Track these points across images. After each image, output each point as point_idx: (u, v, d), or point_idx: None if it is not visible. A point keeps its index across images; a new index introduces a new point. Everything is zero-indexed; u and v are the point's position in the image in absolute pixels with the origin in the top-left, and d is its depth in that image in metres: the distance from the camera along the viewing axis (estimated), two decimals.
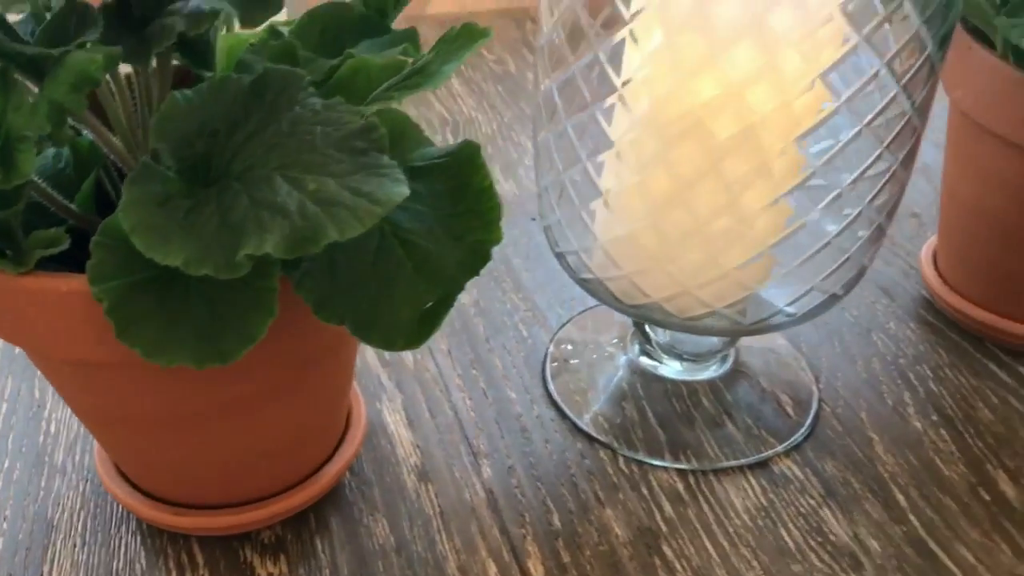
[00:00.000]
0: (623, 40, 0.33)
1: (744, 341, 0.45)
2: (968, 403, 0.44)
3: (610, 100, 0.34)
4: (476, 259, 0.27)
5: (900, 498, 0.39)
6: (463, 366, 0.44)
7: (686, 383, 0.43)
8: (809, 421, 0.42)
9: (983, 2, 0.36)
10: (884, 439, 0.41)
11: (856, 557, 0.36)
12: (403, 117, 0.29)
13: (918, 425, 0.42)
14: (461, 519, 0.37)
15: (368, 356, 0.45)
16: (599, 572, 0.35)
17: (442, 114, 0.66)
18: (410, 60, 0.28)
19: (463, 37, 0.27)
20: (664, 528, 0.37)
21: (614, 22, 0.33)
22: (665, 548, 0.36)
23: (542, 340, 0.46)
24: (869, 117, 0.32)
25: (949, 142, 0.46)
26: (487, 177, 0.28)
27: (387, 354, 0.45)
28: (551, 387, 0.43)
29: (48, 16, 0.26)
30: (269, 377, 0.30)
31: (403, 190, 0.23)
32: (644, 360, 0.44)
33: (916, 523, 0.38)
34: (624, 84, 0.34)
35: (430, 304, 0.26)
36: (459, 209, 0.27)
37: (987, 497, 0.39)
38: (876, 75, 0.32)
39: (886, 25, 0.31)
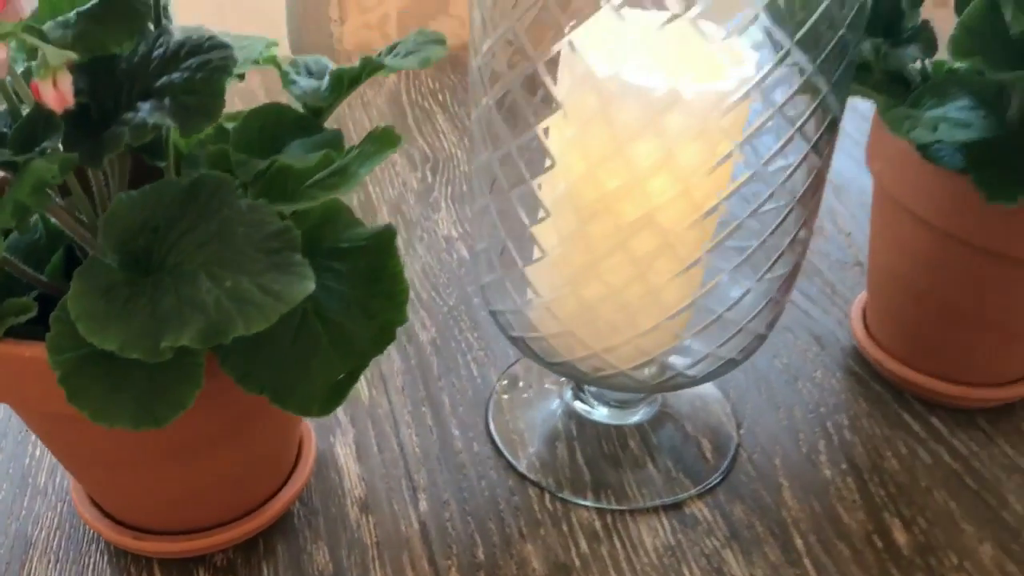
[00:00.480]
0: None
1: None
2: (878, 452, 0.47)
3: (537, 180, 0.38)
4: (384, 337, 0.31)
5: (799, 543, 0.42)
6: (414, 403, 0.49)
7: (615, 426, 0.47)
8: (725, 466, 0.46)
9: (878, 97, 0.39)
10: (793, 485, 0.45)
11: None
12: (336, 203, 0.33)
13: (827, 473, 0.46)
14: (395, 549, 0.41)
15: None
16: None
17: (424, 150, 0.70)
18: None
19: (380, 142, 0.31)
20: (578, 563, 0.41)
21: (547, 104, 0.37)
22: None
23: (490, 380, 0.50)
24: (756, 204, 0.36)
25: (872, 208, 0.49)
26: (399, 263, 0.32)
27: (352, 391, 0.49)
28: (491, 426, 0.47)
29: (23, 112, 0.30)
30: (210, 428, 0.34)
31: (308, 287, 0.27)
32: (578, 404, 0.47)
33: (809, 567, 0.41)
34: (547, 169, 0.38)
35: (341, 376, 0.30)
36: (374, 290, 0.31)
37: (880, 544, 0.42)
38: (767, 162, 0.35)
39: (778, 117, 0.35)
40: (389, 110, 0.76)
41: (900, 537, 0.43)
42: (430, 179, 0.67)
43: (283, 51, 0.92)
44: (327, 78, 0.33)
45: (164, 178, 0.31)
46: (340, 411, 0.48)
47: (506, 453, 0.46)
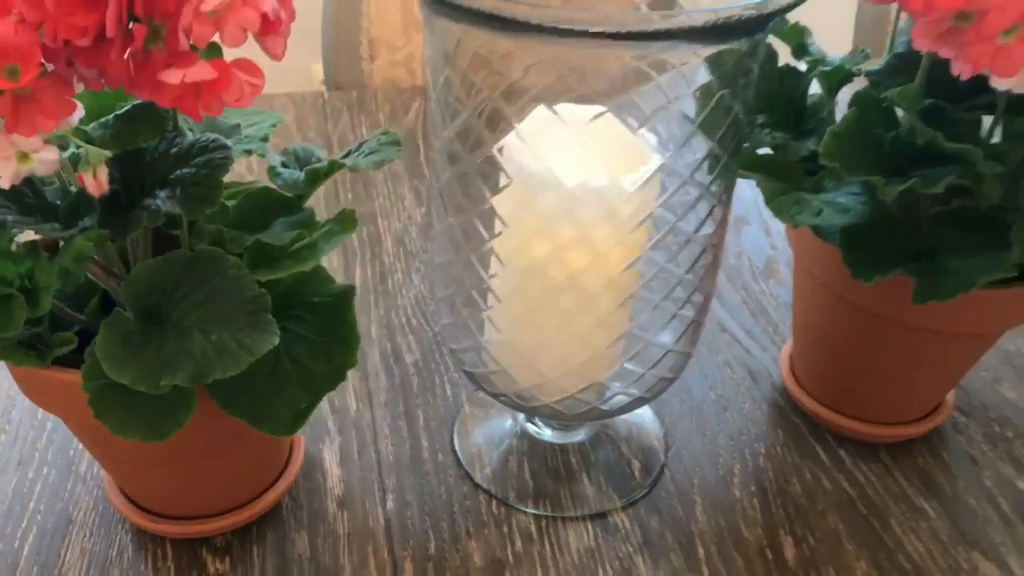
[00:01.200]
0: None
1: None
2: (785, 478, 0.55)
3: (488, 244, 0.46)
4: (339, 375, 0.40)
5: (701, 552, 0.50)
6: (393, 416, 0.57)
7: (560, 445, 0.55)
8: (649, 483, 0.54)
9: (763, 185, 0.47)
10: (705, 502, 0.53)
11: None
12: (316, 267, 0.42)
13: (737, 493, 0.54)
14: (362, 540, 0.50)
15: (322, 404, 0.58)
16: None
17: (418, 191, 0.79)
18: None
19: (342, 224, 0.40)
20: (511, 560, 0.49)
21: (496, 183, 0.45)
22: (508, 575, 0.49)
23: (460, 400, 0.59)
24: (665, 259, 0.44)
25: (793, 269, 0.57)
26: (354, 317, 0.40)
27: (336, 402, 0.58)
28: (455, 440, 0.56)
29: (72, 191, 0.40)
30: (208, 438, 0.43)
31: (273, 340, 0.36)
32: (529, 426, 0.56)
33: (706, 573, 0.49)
34: (495, 236, 0.46)
35: (304, 405, 0.39)
36: (333, 338, 0.40)
37: (771, 557, 0.50)
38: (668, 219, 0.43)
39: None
40: (405, 146, 0.85)
41: (789, 552, 0.50)
42: (419, 219, 0.76)
43: (314, 85, 1.01)
44: (303, 174, 0.42)
45: (180, 245, 0.41)
46: (330, 421, 0.57)
47: (464, 464, 0.54)
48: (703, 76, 0.41)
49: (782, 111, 0.50)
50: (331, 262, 0.70)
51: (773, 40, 0.52)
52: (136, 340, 0.37)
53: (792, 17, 0.47)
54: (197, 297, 0.37)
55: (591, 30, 0.35)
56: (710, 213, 0.44)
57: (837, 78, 0.51)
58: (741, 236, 0.75)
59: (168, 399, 0.37)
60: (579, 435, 0.56)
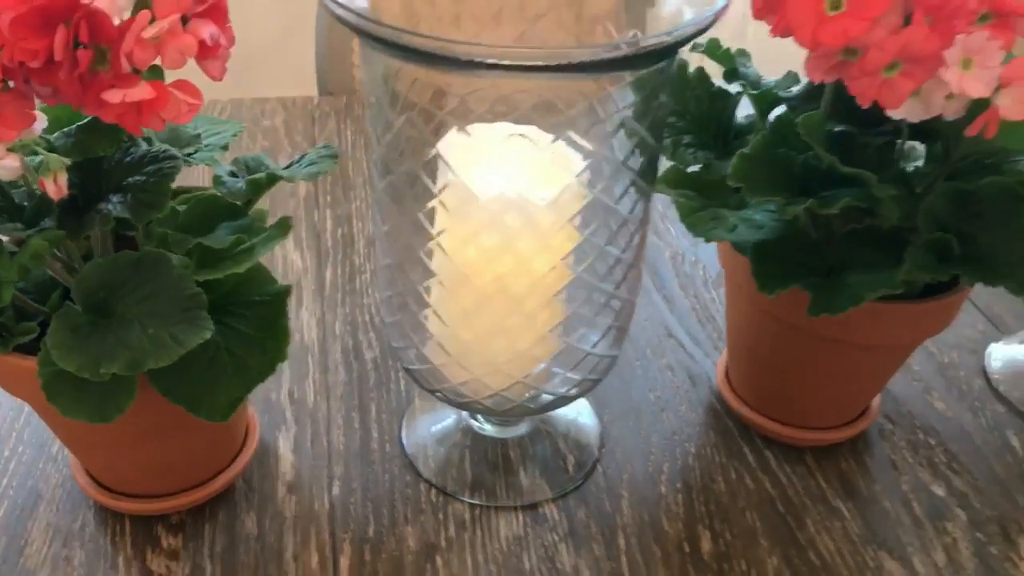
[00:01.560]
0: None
1: (558, 410, 0.61)
2: (711, 476, 0.58)
3: (421, 251, 0.50)
4: (269, 368, 0.43)
5: (621, 542, 0.54)
6: (348, 409, 0.61)
7: (501, 439, 0.59)
8: (582, 477, 0.57)
9: (678, 203, 0.50)
10: (632, 497, 0.56)
11: None
12: (257, 266, 0.46)
13: (663, 489, 0.57)
14: (306, 522, 0.54)
15: (282, 396, 0.62)
16: (385, 570, 0.51)
17: None
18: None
19: (279, 229, 0.43)
20: (444, 544, 0.53)
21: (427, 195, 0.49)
22: (439, 559, 0.52)
23: (412, 395, 0.62)
24: (589, 260, 0.48)
25: (726, 278, 0.60)
26: (286, 316, 0.44)
27: (295, 394, 0.62)
28: (403, 432, 0.59)
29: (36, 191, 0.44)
30: (157, 422, 0.47)
31: (205, 335, 0.40)
32: (472, 421, 0.59)
33: (624, 562, 0.52)
34: (434, 237, 0.49)
35: (238, 395, 0.43)
36: (267, 334, 0.44)
37: (687, 550, 0.53)
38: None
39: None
40: None
41: (706, 546, 0.54)
42: None
43: (311, 90, 1.05)
44: (244, 184, 0.45)
45: (136, 244, 0.45)
46: (288, 412, 0.61)
47: (409, 454, 0.58)
48: (619, 100, 0.44)
49: (711, 132, 0.54)
50: (305, 261, 0.74)
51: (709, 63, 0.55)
52: (84, 331, 0.40)
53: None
54: (140, 294, 0.41)
55: (509, 64, 0.39)
56: (622, 225, 0.47)
57: (767, 101, 0.54)
58: (698, 246, 0.78)
59: (111, 385, 0.41)
60: (519, 430, 0.59)
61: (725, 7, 0.42)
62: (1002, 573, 0.53)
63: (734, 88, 0.54)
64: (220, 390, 0.43)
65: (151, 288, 0.41)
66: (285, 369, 0.64)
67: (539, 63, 0.39)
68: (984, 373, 0.66)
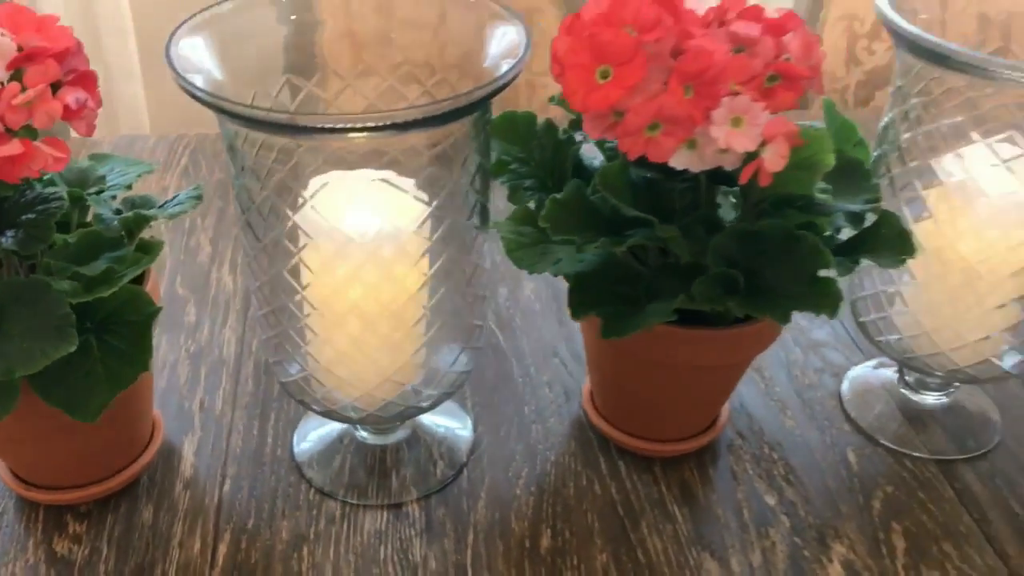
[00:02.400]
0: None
1: (435, 417, 0.68)
2: (563, 482, 0.64)
3: (297, 294, 0.57)
4: (132, 377, 0.51)
5: (470, 538, 0.60)
6: (250, 417, 0.69)
7: (380, 446, 0.66)
8: (447, 480, 0.64)
9: (504, 239, 0.57)
10: (488, 498, 0.63)
11: (416, 571, 0.58)
12: (136, 290, 0.53)
13: (518, 492, 0.64)
14: (195, 515, 0.61)
15: (194, 404, 0.69)
16: (259, 559, 0.59)
17: None
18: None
19: (146, 252, 0.51)
20: (312, 537, 0.60)
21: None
22: (305, 549, 0.59)
23: None
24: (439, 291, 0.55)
25: None
26: (151, 335, 0.52)
27: (206, 403, 0.70)
28: (294, 438, 0.67)
29: None
30: (56, 423, 0.55)
31: (68, 349, 0.48)
32: (354, 429, 0.67)
33: (469, 555, 0.59)
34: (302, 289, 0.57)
35: (106, 399, 0.51)
36: (136, 348, 0.52)
37: (527, 545, 0.60)
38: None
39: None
40: None
41: (544, 542, 0.60)
42: None
43: None
44: (118, 222, 0.53)
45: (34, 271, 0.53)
46: (196, 419, 0.68)
47: (296, 458, 0.65)
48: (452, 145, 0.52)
49: (554, 176, 0.60)
50: (236, 283, 0.82)
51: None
52: None
53: None
54: (22, 314, 0.49)
55: (334, 127, 0.47)
56: (466, 256, 0.54)
57: (607, 148, 0.61)
58: None
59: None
60: (396, 437, 0.66)
61: (516, 74, 0.49)
62: (809, 573, 0.58)
63: (579, 136, 0.61)
64: (93, 395, 0.51)
65: (31, 309, 0.49)
66: (201, 380, 0.72)
67: (351, 125, 0.46)
68: (839, 395, 0.72)
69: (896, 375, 0.71)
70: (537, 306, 0.80)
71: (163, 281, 0.82)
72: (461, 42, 0.57)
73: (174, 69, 0.48)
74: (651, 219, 0.51)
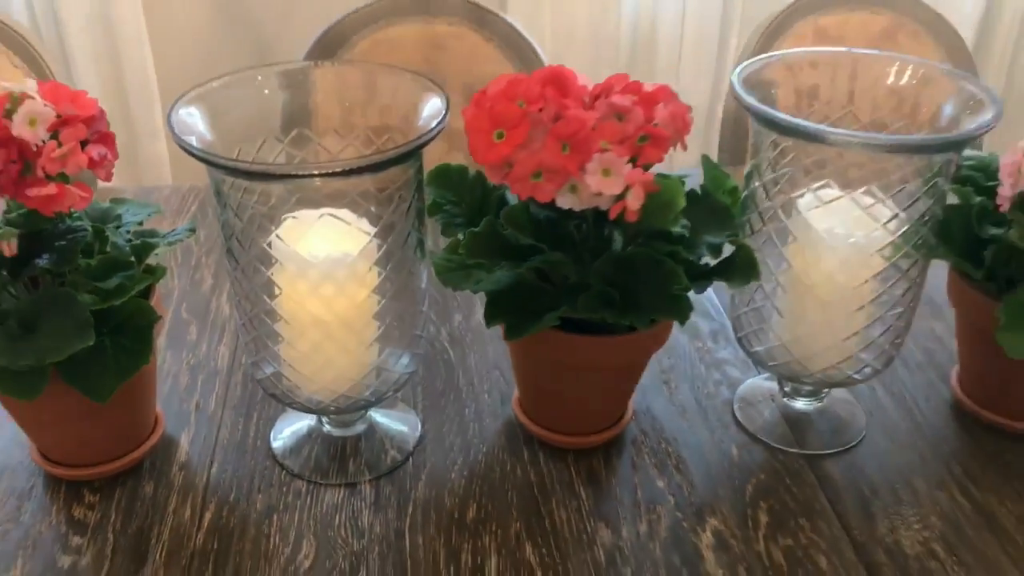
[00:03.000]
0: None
1: (389, 416, 0.82)
2: (491, 468, 0.78)
3: (270, 303, 0.72)
4: (135, 368, 0.66)
5: (410, 509, 0.74)
6: (237, 416, 0.83)
7: (341, 437, 0.80)
8: (395, 465, 0.78)
9: (441, 263, 0.71)
10: (428, 480, 0.76)
11: (362, 539, 0.72)
12: (142, 303, 0.68)
13: (453, 476, 0.77)
14: (186, 490, 0.75)
15: (191, 405, 0.84)
16: (236, 524, 0.72)
17: None
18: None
19: (152, 275, 0.66)
20: (281, 507, 0.74)
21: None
22: (275, 516, 0.73)
23: (285, 407, 0.84)
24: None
25: None
26: (151, 338, 0.66)
27: (201, 404, 0.84)
28: (272, 433, 0.81)
29: None
30: (80, 409, 0.69)
31: (86, 343, 0.62)
32: (321, 424, 0.81)
33: (407, 521, 0.73)
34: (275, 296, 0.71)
35: (115, 384, 0.65)
36: (139, 346, 0.66)
37: (456, 516, 0.73)
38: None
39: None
40: None
41: (470, 514, 0.74)
42: None
43: None
44: (128, 248, 0.68)
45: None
46: (193, 416, 0.83)
47: (273, 447, 0.79)
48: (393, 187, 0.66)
49: (483, 214, 0.75)
50: (231, 309, 0.96)
51: None
52: (16, 340, 0.63)
53: None
54: (54, 317, 0.64)
55: (296, 173, 0.61)
56: (408, 276, 0.69)
57: None
58: None
59: (31, 374, 0.63)
60: (355, 431, 0.80)
61: (440, 128, 0.64)
62: (685, 539, 0.71)
63: None
64: (105, 381, 0.65)
65: (60, 313, 0.64)
66: (198, 386, 0.86)
67: (311, 172, 0.61)
68: (731, 403, 0.85)
69: (778, 386, 0.84)
70: (484, 330, 0.94)
71: (171, 307, 0.97)
72: (402, 108, 0.72)
73: (173, 131, 0.63)
74: (543, 247, 0.66)
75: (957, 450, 0.80)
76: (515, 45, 1.30)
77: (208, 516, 0.73)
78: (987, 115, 0.66)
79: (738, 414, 0.83)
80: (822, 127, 0.64)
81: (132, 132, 1.92)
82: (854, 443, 0.81)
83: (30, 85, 0.62)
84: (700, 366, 0.90)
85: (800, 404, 0.83)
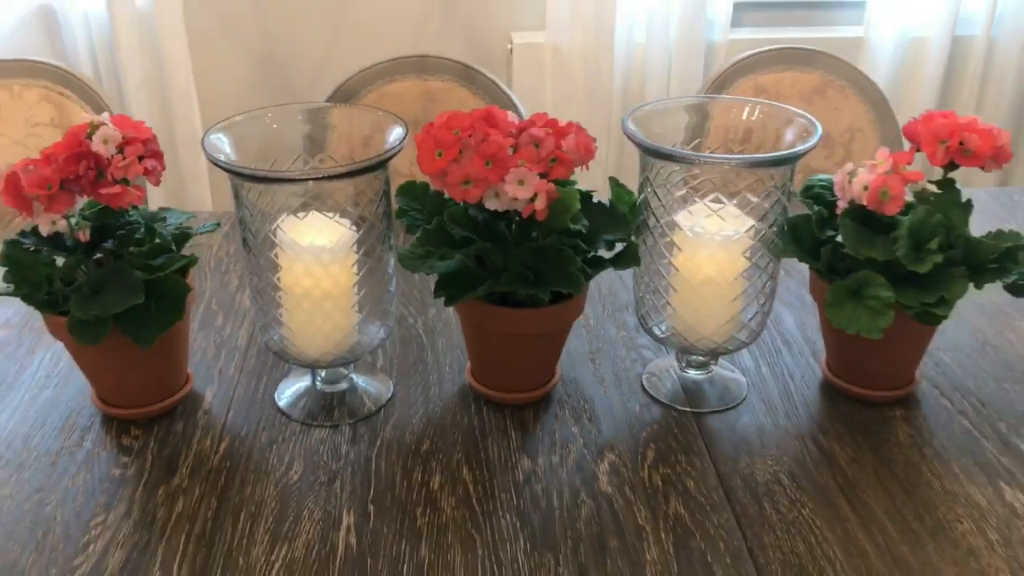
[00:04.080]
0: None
1: (368, 378, 1.04)
2: (443, 417, 0.99)
3: (274, 278, 0.95)
4: (170, 323, 0.89)
5: (379, 443, 0.96)
6: (250, 378, 1.06)
7: (330, 392, 1.02)
8: (372, 413, 1.00)
9: (406, 254, 0.94)
10: (394, 424, 0.98)
11: (339, 462, 0.93)
12: (178, 278, 0.92)
13: (414, 421, 0.99)
14: (207, 428, 0.98)
15: (216, 371, 1.07)
16: (244, 451, 0.95)
17: None
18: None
19: (185, 261, 0.90)
20: (280, 441, 0.96)
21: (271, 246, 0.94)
22: (274, 448, 0.95)
23: (289, 370, 1.06)
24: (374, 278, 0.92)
25: None
26: (184, 301, 0.90)
27: (223, 371, 1.07)
28: (276, 390, 1.03)
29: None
30: (131, 356, 0.92)
31: (138, 300, 0.86)
32: (315, 382, 1.03)
33: (375, 451, 0.94)
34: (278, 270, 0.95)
35: (157, 333, 0.89)
36: (175, 307, 0.90)
37: (413, 448, 0.95)
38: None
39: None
40: None
41: (424, 447, 0.95)
42: None
43: None
44: (169, 236, 0.92)
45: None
46: (216, 378, 1.06)
47: (277, 400, 1.02)
48: (368, 190, 0.90)
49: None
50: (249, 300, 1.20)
51: None
52: (87, 300, 0.87)
53: None
54: (115, 284, 0.88)
55: (295, 178, 0.85)
56: (381, 260, 0.92)
57: None
58: None
59: (96, 324, 0.87)
60: (341, 387, 1.03)
61: (399, 148, 0.87)
62: (586, 467, 0.92)
63: None
64: (150, 330, 0.88)
65: (120, 282, 0.88)
66: (221, 358, 1.09)
67: (307, 177, 0.85)
68: (641, 377, 1.06)
69: (678, 362, 1.06)
70: (453, 320, 1.17)
71: (203, 302, 1.21)
72: (372, 135, 0.96)
73: (204, 150, 0.87)
74: (474, 238, 0.89)
75: (816, 412, 1.01)
76: (497, 98, 1.54)
77: (223, 446, 0.96)
78: (812, 140, 0.89)
79: (645, 383, 1.05)
80: (676, 149, 0.86)
81: (179, 177, 2.20)
82: (735, 404, 1.01)
83: (104, 116, 0.87)
84: (622, 349, 1.11)
85: (694, 374, 1.04)
